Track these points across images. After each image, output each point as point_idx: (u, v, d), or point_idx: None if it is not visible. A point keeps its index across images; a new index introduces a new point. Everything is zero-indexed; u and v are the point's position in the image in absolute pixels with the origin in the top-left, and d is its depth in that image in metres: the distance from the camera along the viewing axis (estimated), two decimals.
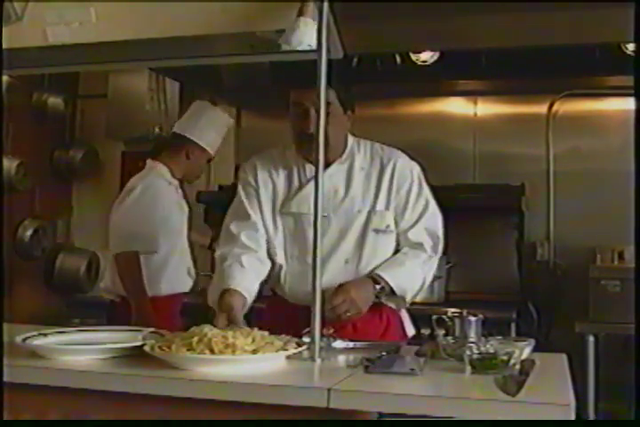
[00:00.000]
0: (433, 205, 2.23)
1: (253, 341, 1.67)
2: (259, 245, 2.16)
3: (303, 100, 2.11)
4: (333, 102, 2.09)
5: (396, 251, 2.21)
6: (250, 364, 1.64)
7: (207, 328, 1.73)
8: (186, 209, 3.10)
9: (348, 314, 2.01)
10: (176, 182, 3.07)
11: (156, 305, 2.83)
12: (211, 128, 3.08)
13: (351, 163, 2.20)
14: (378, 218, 2.16)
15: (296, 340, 1.76)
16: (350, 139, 2.25)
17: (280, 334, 1.77)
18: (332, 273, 2.08)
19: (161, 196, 2.94)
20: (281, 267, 2.18)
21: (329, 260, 2.09)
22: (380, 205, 2.17)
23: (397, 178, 2.18)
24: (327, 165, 2.07)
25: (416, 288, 2.16)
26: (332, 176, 2.15)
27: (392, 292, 2.11)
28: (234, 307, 1.99)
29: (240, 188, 2.24)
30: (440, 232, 2.22)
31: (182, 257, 3.02)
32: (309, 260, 1.84)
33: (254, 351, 1.63)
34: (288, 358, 1.70)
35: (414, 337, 2.29)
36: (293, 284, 2.17)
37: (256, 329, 1.75)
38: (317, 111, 1.83)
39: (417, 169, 2.24)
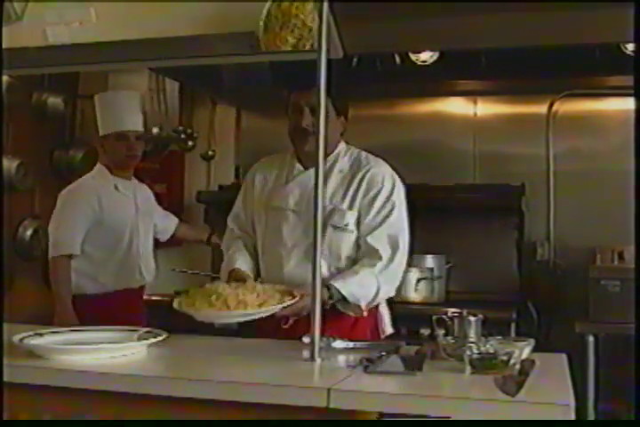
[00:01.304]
0: (400, 214, 2.28)
1: (258, 295, 1.96)
2: (249, 235, 2.44)
3: (299, 100, 2.28)
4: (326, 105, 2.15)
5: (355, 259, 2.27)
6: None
7: (221, 287, 1.99)
8: (133, 207, 3.07)
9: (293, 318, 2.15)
10: (120, 181, 3.05)
11: (100, 302, 2.88)
12: (107, 113, 3.07)
13: (332, 166, 2.32)
14: (339, 216, 2.26)
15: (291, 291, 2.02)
16: (341, 144, 2.38)
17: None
18: (294, 265, 2.27)
19: (88, 198, 2.95)
20: (259, 256, 2.39)
21: (292, 252, 2.27)
22: (345, 204, 2.27)
23: (368, 181, 2.28)
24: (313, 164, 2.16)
25: (370, 296, 2.20)
26: (312, 176, 2.16)
27: (345, 299, 2.16)
28: (243, 275, 2.23)
29: (242, 188, 2.50)
30: (402, 241, 2.25)
31: (128, 254, 3.01)
32: (281, 250, 2.27)
33: (261, 305, 1.93)
34: (288, 357, 1.71)
35: (392, 336, 2.37)
36: (267, 271, 2.34)
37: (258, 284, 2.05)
38: (312, 110, 2.11)
39: (392, 179, 2.31)
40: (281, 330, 2.16)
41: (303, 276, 2.16)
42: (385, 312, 2.39)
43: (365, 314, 2.23)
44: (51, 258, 2.90)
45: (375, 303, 2.26)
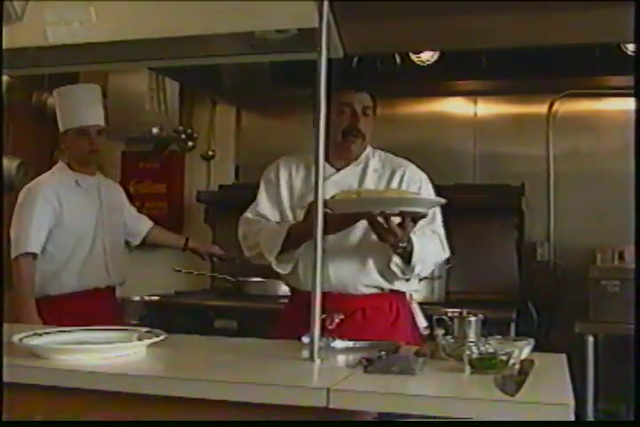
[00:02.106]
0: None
1: None
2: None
3: (353, 102, 2.30)
4: (371, 107, 2.33)
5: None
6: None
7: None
8: (96, 202, 3.02)
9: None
10: (82, 177, 3.01)
11: (64, 303, 2.83)
12: (66, 108, 3.02)
13: (366, 165, 2.36)
14: None
15: None
16: (368, 146, 2.40)
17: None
18: (341, 262, 2.24)
19: (47, 195, 2.89)
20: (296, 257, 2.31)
21: (339, 249, 2.22)
22: None
23: (407, 181, 2.33)
24: (344, 165, 2.35)
25: (427, 265, 2.24)
26: (347, 177, 2.34)
27: (409, 258, 2.16)
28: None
29: (262, 185, 2.45)
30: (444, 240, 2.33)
31: (92, 252, 2.95)
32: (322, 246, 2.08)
33: None
34: (288, 358, 1.71)
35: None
36: (307, 272, 2.24)
37: None
38: (363, 111, 2.27)
39: (426, 178, 2.39)
40: (326, 330, 2.13)
41: (345, 275, 2.25)
42: (416, 306, 2.42)
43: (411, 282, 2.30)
44: (13, 258, 2.83)
45: (418, 275, 2.27)
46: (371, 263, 2.27)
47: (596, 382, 3.10)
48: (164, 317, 3.48)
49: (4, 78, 3.61)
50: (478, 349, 1.66)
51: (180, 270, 3.70)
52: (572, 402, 1.40)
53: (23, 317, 2.73)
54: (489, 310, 2.35)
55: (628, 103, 3.55)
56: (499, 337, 1.86)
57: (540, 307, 3.64)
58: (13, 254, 2.82)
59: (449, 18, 2.74)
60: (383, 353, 1.74)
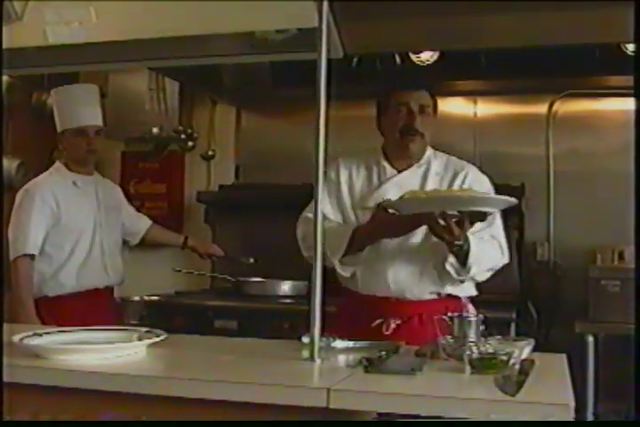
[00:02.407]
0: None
1: None
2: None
3: (409, 100, 2.30)
4: (431, 106, 2.34)
5: None
6: None
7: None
8: (94, 202, 3.02)
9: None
10: (79, 177, 3.01)
11: (62, 303, 2.84)
12: (64, 108, 3.01)
13: (427, 168, 2.36)
14: None
15: None
16: (429, 148, 2.41)
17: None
18: (399, 267, 2.24)
19: (44, 196, 2.89)
20: None
21: (398, 254, 2.25)
22: None
23: (469, 183, 2.31)
24: (406, 167, 2.35)
25: (483, 268, 2.22)
26: (408, 178, 2.32)
27: (465, 259, 2.15)
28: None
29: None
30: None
31: (91, 253, 2.95)
32: (381, 250, 2.20)
33: None
34: (288, 357, 1.71)
35: None
36: (366, 276, 2.29)
37: None
38: (420, 110, 2.27)
39: (488, 181, 2.38)
40: (381, 336, 2.17)
41: (404, 280, 2.24)
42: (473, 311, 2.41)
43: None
44: (11, 260, 2.83)
45: (470, 275, 2.23)
46: (429, 268, 2.25)
47: (596, 382, 3.09)
48: (164, 317, 3.48)
49: (4, 78, 3.61)
50: (478, 349, 1.66)
51: (180, 270, 3.70)
52: (572, 402, 1.40)
53: (22, 318, 2.72)
54: (489, 310, 2.34)
55: (628, 103, 3.55)
56: (499, 337, 1.86)
57: (539, 307, 3.63)
58: (11, 256, 2.83)
59: (449, 18, 2.74)
60: (383, 353, 1.74)
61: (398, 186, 2.26)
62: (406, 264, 2.25)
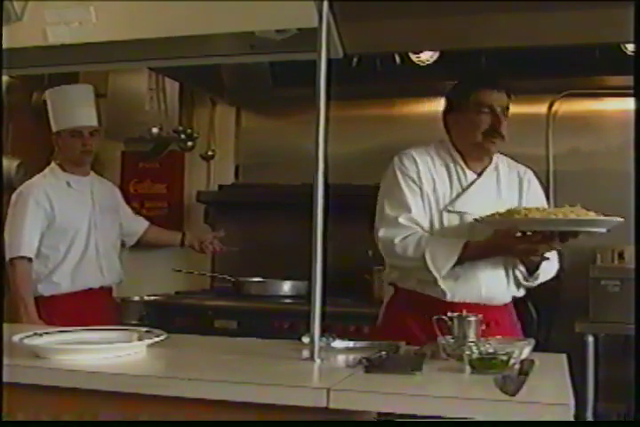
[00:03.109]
0: None
1: None
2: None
3: (492, 102, 2.26)
4: (508, 107, 2.31)
5: None
6: None
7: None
8: (89, 203, 3.03)
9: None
10: (74, 177, 3.02)
11: (56, 303, 2.84)
12: (59, 108, 3.01)
13: (497, 169, 2.35)
14: None
15: None
16: None
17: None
18: (491, 275, 2.22)
19: (38, 197, 2.89)
20: None
21: (492, 262, 2.21)
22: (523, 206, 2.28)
23: (534, 189, 2.40)
24: (482, 169, 2.33)
25: (548, 276, 2.29)
26: (486, 182, 2.31)
27: (535, 269, 2.21)
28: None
29: (401, 179, 2.26)
30: None
31: (86, 253, 2.96)
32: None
33: None
34: (288, 358, 1.71)
35: None
36: (457, 284, 2.22)
37: None
38: (504, 113, 2.25)
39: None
40: None
41: (494, 287, 2.24)
42: None
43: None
44: (8, 260, 2.83)
45: (535, 284, 2.31)
46: (510, 274, 2.26)
47: (595, 382, 3.09)
48: (163, 317, 3.48)
49: (4, 78, 3.61)
50: (478, 349, 1.66)
51: (180, 270, 3.70)
52: (572, 402, 1.40)
53: (23, 318, 2.73)
54: None
55: (628, 103, 3.54)
56: (499, 337, 1.86)
57: (539, 307, 3.63)
58: (7, 257, 2.83)
59: (449, 18, 2.75)
60: (383, 353, 1.74)
61: (479, 190, 2.27)
62: (497, 272, 2.24)
